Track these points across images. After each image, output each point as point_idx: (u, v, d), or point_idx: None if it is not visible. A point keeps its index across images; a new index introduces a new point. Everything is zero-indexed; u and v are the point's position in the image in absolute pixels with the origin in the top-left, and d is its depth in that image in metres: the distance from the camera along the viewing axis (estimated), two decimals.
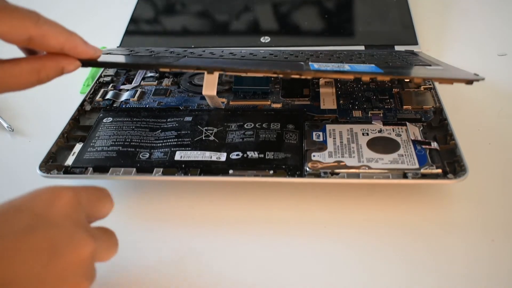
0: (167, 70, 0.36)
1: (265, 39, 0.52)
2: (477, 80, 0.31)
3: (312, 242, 0.34)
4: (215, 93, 0.39)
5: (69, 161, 0.38)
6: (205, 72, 0.38)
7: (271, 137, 0.38)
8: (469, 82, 0.32)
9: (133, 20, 0.57)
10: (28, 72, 0.31)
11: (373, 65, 0.37)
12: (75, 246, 0.24)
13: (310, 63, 0.37)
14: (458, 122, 0.41)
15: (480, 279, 0.31)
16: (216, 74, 0.38)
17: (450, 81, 0.33)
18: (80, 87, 0.52)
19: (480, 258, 0.32)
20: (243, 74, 0.35)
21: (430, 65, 0.40)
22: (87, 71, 0.53)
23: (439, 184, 0.36)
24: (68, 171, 0.37)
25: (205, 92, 0.39)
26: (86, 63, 0.33)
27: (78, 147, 0.40)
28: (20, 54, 0.33)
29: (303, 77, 0.35)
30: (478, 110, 0.45)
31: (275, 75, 0.33)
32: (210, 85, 0.39)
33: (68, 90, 0.51)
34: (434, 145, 0.36)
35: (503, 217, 0.35)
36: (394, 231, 0.34)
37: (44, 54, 0.32)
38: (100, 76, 0.50)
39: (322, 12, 0.53)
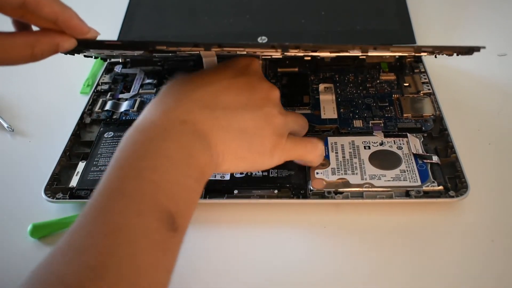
0: (164, 47, 0.35)
1: (262, 39, 0.51)
2: (478, 50, 0.31)
3: (311, 242, 0.35)
4: None
5: (73, 182, 0.38)
6: (203, 50, 0.37)
7: None
8: (470, 50, 0.31)
9: (129, 14, 0.56)
10: (21, 46, 0.30)
11: None
12: (264, 87, 0.35)
13: None
14: (458, 122, 0.41)
15: (480, 279, 0.31)
16: (214, 57, 0.37)
17: (452, 50, 0.32)
18: (80, 87, 0.51)
19: (480, 258, 0.33)
20: (241, 50, 0.35)
21: None
22: (87, 71, 0.53)
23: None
24: (73, 194, 0.37)
25: None
26: (82, 43, 0.32)
27: (81, 165, 0.40)
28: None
29: (301, 51, 0.34)
30: (478, 110, 0.45)
31: (273, 49, 0.33)
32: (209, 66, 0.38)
33: (68, 90, 0.51)
34: (435, 159, 0.37)
35: (503, 217, 0.35)
36: (394, 232, 0.35)
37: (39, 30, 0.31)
38: (98, 84, 0.49)
39: (319, 11, 0.53)
